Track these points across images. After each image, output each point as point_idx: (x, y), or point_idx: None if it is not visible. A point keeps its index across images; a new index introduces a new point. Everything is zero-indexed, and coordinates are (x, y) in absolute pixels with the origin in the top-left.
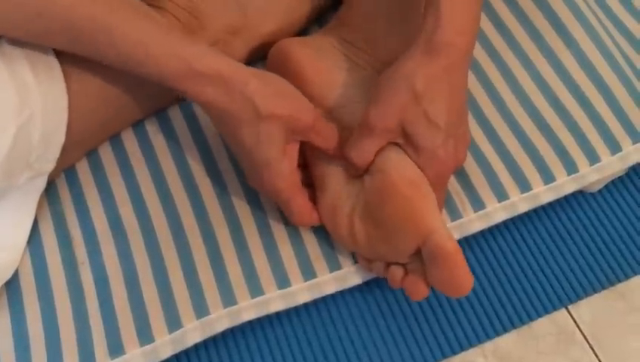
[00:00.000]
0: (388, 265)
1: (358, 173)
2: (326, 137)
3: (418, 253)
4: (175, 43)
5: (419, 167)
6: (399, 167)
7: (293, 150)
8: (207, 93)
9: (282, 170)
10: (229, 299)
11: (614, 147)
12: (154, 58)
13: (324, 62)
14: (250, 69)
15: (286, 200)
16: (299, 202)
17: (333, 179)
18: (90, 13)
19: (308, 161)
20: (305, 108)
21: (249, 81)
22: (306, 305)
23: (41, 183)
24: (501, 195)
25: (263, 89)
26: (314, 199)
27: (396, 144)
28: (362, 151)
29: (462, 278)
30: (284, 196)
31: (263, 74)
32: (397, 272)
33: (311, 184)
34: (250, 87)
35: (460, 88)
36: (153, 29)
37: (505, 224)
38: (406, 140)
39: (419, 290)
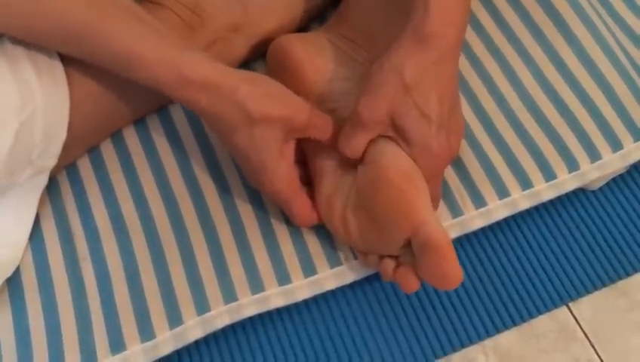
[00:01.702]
0: (381, 257)
1: (352, 163)
2: (323, 130)
3: (409, 245)
4: (167, 49)
5: (412, 159)
6: (392, 158)
7: (290, 149)
8: (199, 100)
9: (279, 172)
10: (229, 295)
11: (615, 144)
12: (146, 64)
13: (322, 59)
14: (241, 73)
15: (285, 200)
16: (298, 202)
17: (330, 171)
18: (85, 18)
19: (305, 154)
20: (299, 107)
21: (239, 86)
22: (306, 302)
23: (42, 180)
24: (502, 192)
25: (255, 93)
26: (313, 196)
27: (389, 137)
28: (353, 143)
29: (451, 271)
30: (283, 196)
31: (253, 77)
32: (389, 264)
33: (310, 181)
34: (241, 93)
35: (450, 79)
36: (147, 34)
37: (505, 221)
38: (398, 132)
39: (409, 282)
